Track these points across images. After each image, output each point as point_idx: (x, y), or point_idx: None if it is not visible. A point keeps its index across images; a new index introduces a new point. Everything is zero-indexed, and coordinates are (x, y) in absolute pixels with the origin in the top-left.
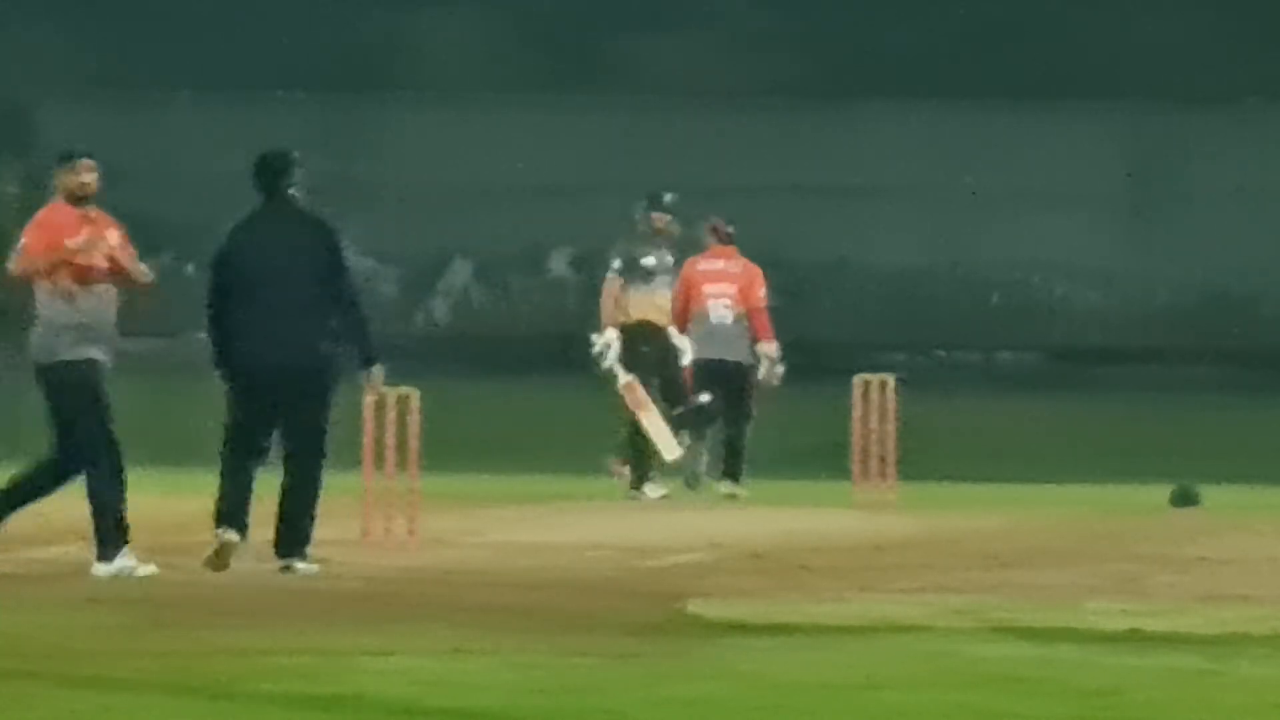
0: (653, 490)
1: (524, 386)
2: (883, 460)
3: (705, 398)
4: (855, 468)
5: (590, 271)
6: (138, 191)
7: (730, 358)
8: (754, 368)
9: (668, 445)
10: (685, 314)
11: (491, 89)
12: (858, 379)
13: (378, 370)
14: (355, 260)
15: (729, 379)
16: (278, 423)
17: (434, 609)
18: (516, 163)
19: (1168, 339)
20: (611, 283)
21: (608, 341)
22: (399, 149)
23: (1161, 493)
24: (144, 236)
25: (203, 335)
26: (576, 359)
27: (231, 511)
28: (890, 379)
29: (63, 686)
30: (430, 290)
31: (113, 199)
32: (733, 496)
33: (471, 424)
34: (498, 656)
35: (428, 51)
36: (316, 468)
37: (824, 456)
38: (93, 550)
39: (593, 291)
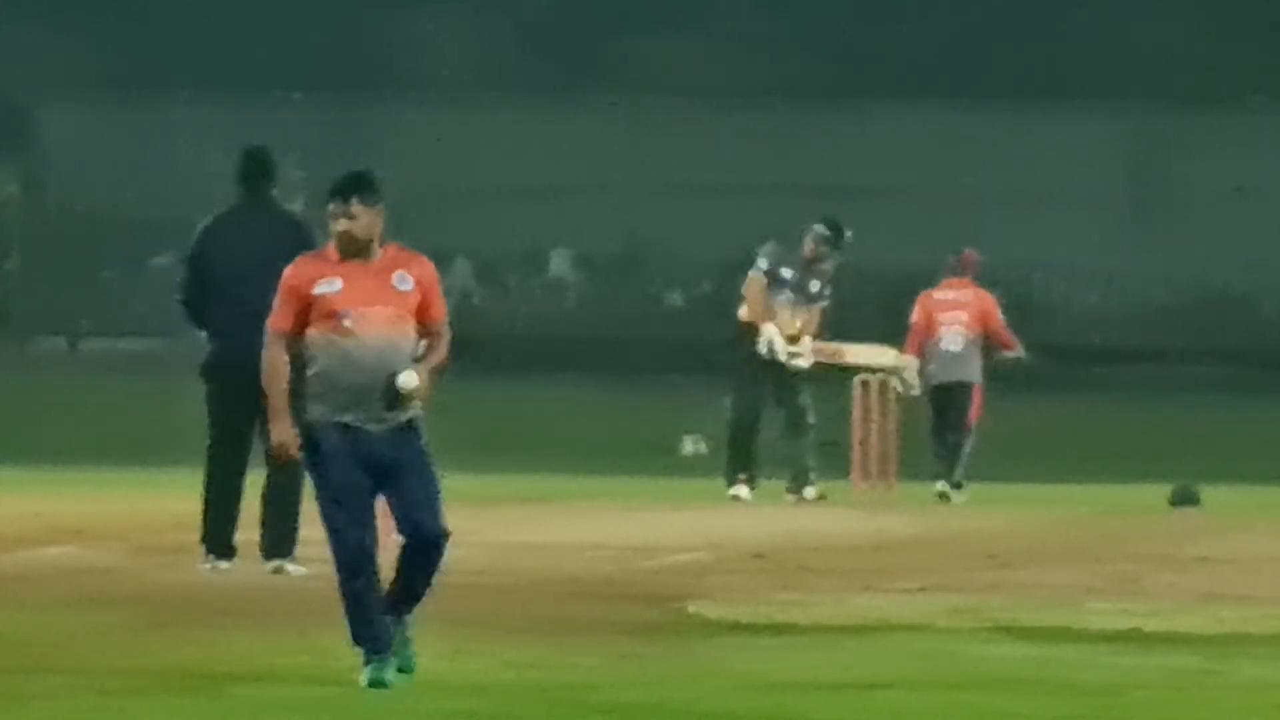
0: (811, 493)
1: (524, 386)
2: (883, 460)
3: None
4: (855, 468)
5: (590, 272)
6: (138, 192)
7: (961, 379)
8: (980, 386)
9: (883, 354)
10: (920, 340)
11: (492, 89)
12: (858, 379)
13: None
14: None
15: (958, 398)
16: (256, 423)
17: (434, 609)
18: (516, 163)
19: (1167, 339)
20: (756, 281)
21: (769, 339)
22: (399, 149)
23: (1161, 493)
24: (144, 237)
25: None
26: (575, 359)
27: (217, 535)
28: (890, 379)
29: (63, 686)
30: None
31: (112, 199)
32: (944, 496)
33: (471, 424)
34: (497, 657)
35: (428, 52)
36: (298, 469)
37: (824, 456)
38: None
39: (592, 292)
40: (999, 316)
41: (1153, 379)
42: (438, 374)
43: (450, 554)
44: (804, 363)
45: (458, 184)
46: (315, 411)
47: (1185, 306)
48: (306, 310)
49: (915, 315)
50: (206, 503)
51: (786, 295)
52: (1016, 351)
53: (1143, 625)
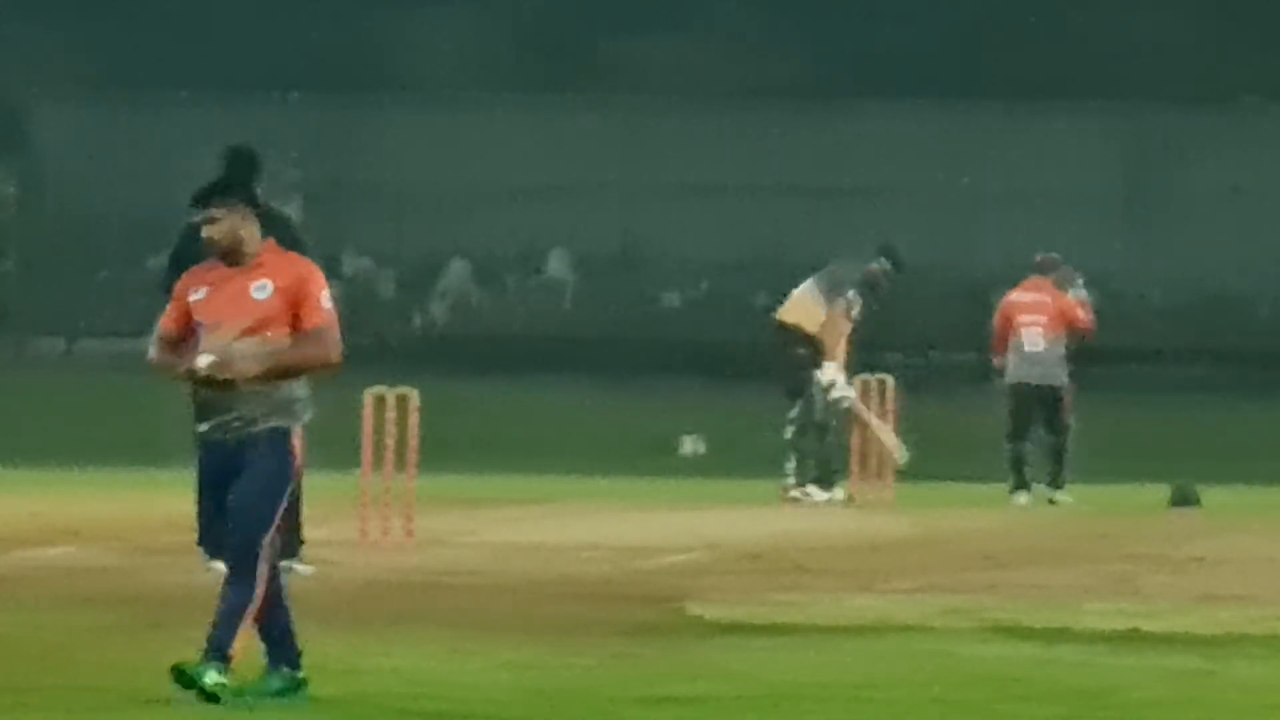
0: (818, 494)
1: (521, 387)
2: (880, 460)
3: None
4: (854, 468)
5: (588, 272)
6: (134, 192)
7: (1043, 381)
8: (1065, 387)
9: (895, 446)
10: (1002, 341)
11: (488, 90)
12: (856, 379)
13: None
14: (353, 261)
15: (1043, 400)
16: None
17: (431, 609)
18: (513, 164)
19: (1164, 339)
20: (845, 315)
21: (833, 380)
22: (396, 150)
23: (1159, 493)
24: (140, 237)
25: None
26: (573, 359)
27: (212, 536)
28: (889, 379)
29: (60, 687)
30: (428, 291)
31: (110, 200)
32: (1052, 502)
33: (469, 424)
34: (494, 657)
35: (424, 52)
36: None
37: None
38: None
39: (589, 292)
40: (1080, 315)
41: (1149, 379)
42: (291, 371)
43: (447, 554)
44: (846, 397)
45: (455, 184)
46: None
47: (1181, 307)
48: (187, 316)
49: (996, 318)
50: (198, 505)
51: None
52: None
53: (1139, 626)
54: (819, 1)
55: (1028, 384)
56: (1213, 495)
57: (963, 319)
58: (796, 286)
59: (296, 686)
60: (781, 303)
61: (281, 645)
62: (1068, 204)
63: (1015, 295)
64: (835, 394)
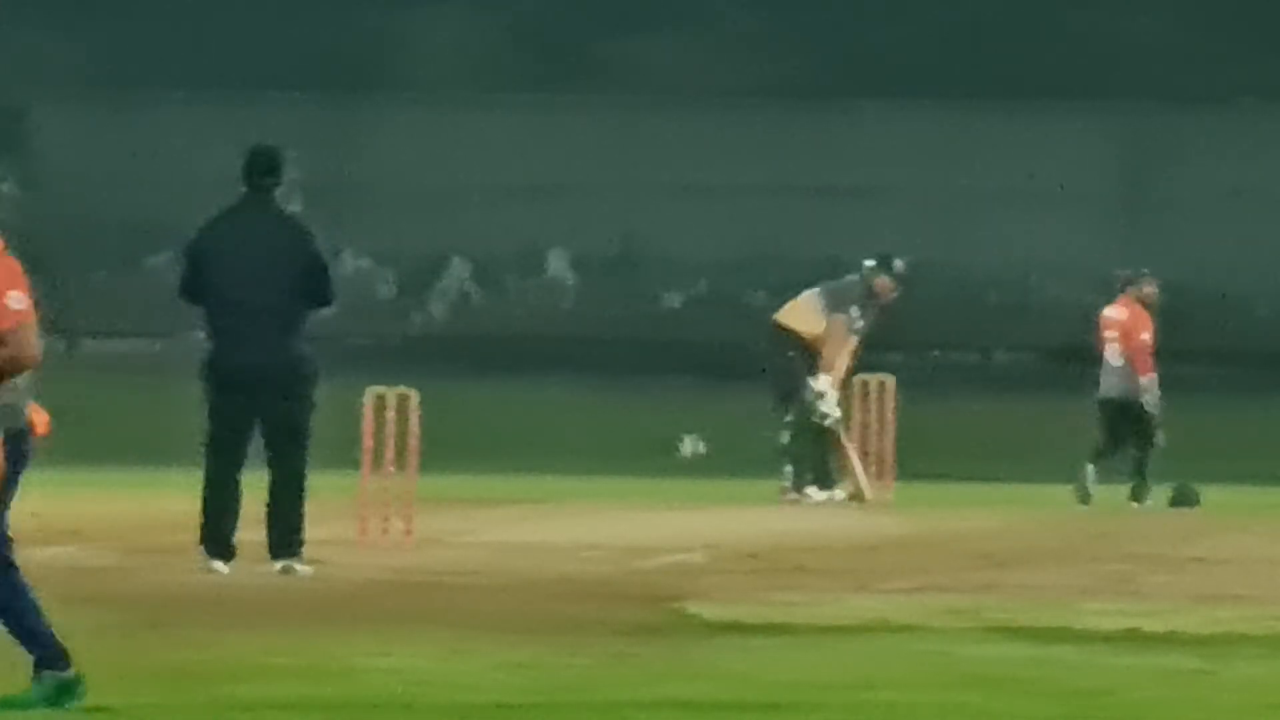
0: (817, 494)
1: (521, 387)
2: (880, 460)
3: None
4: (856, 467)
5: (587, 272)
6: (132, 192)
7: (1118, 395)
8: (1151, 402)
9: (866, 486)
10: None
11: (487, 90)
12: (856, 379)
13: None
14: (353, 261)
15: (1120, 413)
16: (256, 424)
17: (430, 609)
18: (513, 163)
19: (1163, 339)
20: (845, 335)
21: (824, 394)
22: (395, 149)
23: (1159, 493)
24: (139, 237)
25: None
26: (573, 359)
27: (216, 536)
28: (889, 379)
29: None
30: (428, 291)
31: (107, 200)
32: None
33: (468, 424)
34: (493, 657)
35: (423, 52)
36: (299, 468)
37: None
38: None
39: (589, 292)
40: (1140, 338)
41: None
42: None
43: (447, 554)
44: (833, 417)
45: (455, 184)
46: None
47: (1180, 307)
48: None
49: (1098, 331)
50: (205, 504)
51: (855, 340)
52: (1147, 384)
53: (1138, 625)
54: (819, 1)
55: (1108, 398)
56: (1213, 495)
57: (963, 319)
58: (797, 287)
59: (68, 687)
60: (781, 304)
61: (36, 644)
62: (1067, 203)
63: (1105, 310)
64: (822, 408)
